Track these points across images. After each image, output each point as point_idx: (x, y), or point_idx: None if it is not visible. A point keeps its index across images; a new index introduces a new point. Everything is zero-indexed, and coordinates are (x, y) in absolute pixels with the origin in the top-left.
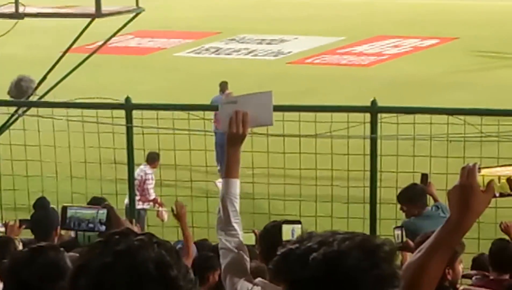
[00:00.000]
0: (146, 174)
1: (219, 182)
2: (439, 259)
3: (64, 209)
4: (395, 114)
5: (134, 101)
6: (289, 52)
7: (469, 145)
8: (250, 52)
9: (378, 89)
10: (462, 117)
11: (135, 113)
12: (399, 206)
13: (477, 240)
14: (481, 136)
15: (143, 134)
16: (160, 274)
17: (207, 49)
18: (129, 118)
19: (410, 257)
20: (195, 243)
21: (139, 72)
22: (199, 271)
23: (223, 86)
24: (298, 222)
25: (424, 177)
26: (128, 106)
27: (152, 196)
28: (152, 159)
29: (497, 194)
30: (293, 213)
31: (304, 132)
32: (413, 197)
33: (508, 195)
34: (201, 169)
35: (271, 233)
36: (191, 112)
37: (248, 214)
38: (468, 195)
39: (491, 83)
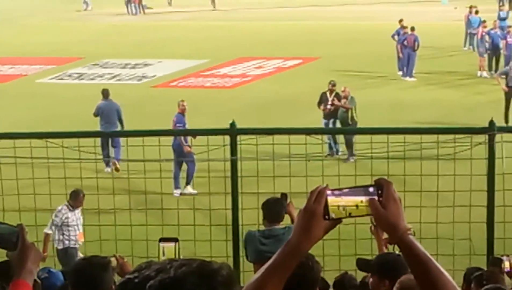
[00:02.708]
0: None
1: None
2: (276, 281)
3: None
4: (254, 136)
5: None
6: (153, 76)
7: (327, 164)
8: (114, 77)
9: (242, 111)
10: (319, 136)
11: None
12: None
13: (338, 257)
14: (339, 155)
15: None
16: None
17: (70, 75)
18: None
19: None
20: None
21: (1, 100)
22: None
23: (106, 92)
24: (175, 239)
25: (283, 196)
26: None
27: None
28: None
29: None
30: (152, 237)
31: (165, 156)
32: (265, 205)
33: (352, 217)
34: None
35: None
36: (48, 139)
37: None
38: (310, 220)
39: None
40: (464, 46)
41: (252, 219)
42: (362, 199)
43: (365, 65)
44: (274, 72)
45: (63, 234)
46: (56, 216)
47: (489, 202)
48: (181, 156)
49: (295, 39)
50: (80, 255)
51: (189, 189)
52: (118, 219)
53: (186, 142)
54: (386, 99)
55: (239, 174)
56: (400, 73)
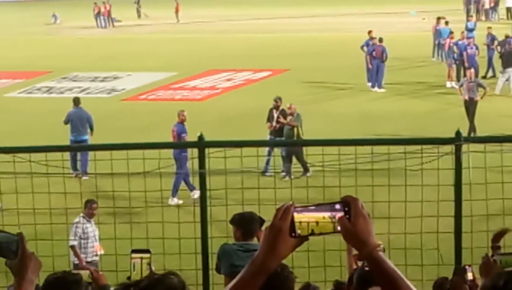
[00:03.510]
0: None
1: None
2: None
3: None
4: (222, 149)
5: None
6: (123, 89)
7: (295, 174)
8: (83, 90)
9: (212, 123)
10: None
11: None
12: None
13: (307, 269)
14: (308, 165)
15: None
16: None
17: (38, 89)
18: None
19: None
20: None
21: None
22: None
23: (77, 100)
24: (147, 251)
25: (260, 221)
26: None
27: None
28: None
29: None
30: (121, 251)
31: (133, 170)
32: (241, 221)
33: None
34: None
35: None
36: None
37: None
38: (276, 237)
39: (322, 113)
40: (433, 57)
41: (221, 231)
42: (324, 215)
43: (334, 77)
44: (243, 84)
45: (80, 247)
46: (76, 227)
47: (456, 212)
48: (183, 164)
49: (263, 52)
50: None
51: (175, 200)
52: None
53: (186, 151)
54: (355, 110)
55: (207, 187)
56: (369, 84)
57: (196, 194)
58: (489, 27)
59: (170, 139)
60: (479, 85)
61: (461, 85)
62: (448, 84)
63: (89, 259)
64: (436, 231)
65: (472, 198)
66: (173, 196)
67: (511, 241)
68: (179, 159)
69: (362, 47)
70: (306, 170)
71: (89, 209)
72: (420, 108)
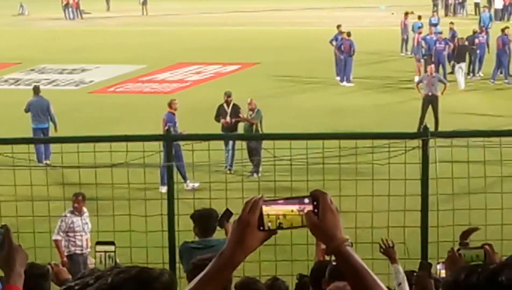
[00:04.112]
0: None
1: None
2: None
3: None
4: (190, 142)
5: None
6: (91, 81)
7: (266, 169)
8: (51, 82)
9: (180, 116)
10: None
11: None
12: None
13: (274, 262)
14: (274, 160)
15: None
16: None
17: (6, 80)
18: None
19: None
20: None
21: None
22: None
23: (36, 89)
24: (112, 243)
25: (228, 213)
26: None
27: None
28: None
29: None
30: None
31: (101, 162)
32: (200, 218)
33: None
34: None
35: None
36: None
37: None
38: (244, 231)
39: (291, 107)
40: (402, 52)
41: (188, 225)
42: (292, 208)
43: (303, 71)
44: (213, 77)
45: (68, 240)
46: (61, 221)
47: (423, 207)
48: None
49: (233, 45)
50: (92, 260)
51: (190, 184)
52: (53, 226)
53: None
54: (323, 104)
55: (175, 180)
56: (338, 78)
57: (189, 185)
58: (451, 23)
59: (139, 131)
60: (440, 80)
61: (420, 81)
62: (417, 79)
63: (78, 252)
64: (403, 225)
65: (438, 192)
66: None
67: (477, 237)
68: (177, 150)
69: (331, 41)
70: (256, 171)
71: (74, 202)
72: (388, 102)
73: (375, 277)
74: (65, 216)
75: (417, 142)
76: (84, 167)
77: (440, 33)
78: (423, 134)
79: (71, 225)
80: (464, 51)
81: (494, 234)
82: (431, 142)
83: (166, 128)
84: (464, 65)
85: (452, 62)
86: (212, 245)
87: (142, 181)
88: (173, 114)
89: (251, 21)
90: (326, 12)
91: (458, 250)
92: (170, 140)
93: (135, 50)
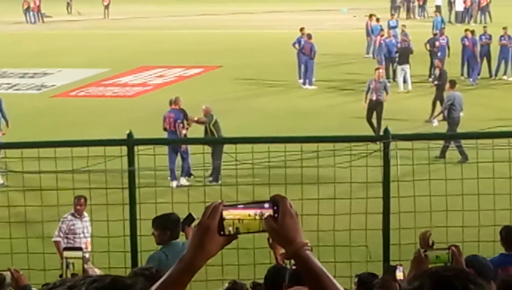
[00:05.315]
0: None
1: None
2: None
3: None
4: (151, 146)
5: None
6: (53, 86)
7: (226, 173)
8: (12, 87)
9: (142, 120)
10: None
11: None
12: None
13: (237, 267)
14: (236, 164)
15: None
16: None
17: None
18: None
19: None
20: None
21: None
22: None
23: None
24: (79, 249)
25: (190, 217)
26: None
27: None
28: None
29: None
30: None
31: (61, 168)
32: (164, 224)
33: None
34: None
35: None
36: None
37: None
38: (204, 236)
39: (253, 110)
40: (366, 54)
41: (150, 230)
42: (251, 213)
43: (266, 73)
44: (175, 80)
45: (67, 243)
46: (62, 223)
47: (384, 209)
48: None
49: (195, 48)
50: (90, 265)
51: (184, 181)
52: (13, 232)
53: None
54: (286, 107)
55: (136, 185)
56: (301, 81)
57: (175, 183)
58: (403, 25)
59: (100, 136)
60: (384, 88)
61: (368, 87)
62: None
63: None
64: (364, 228)
65: (400, 195)
66: (181, 176)
67: (439, 238)
68: (183, 153)
69: (294, 44)
70: (216, 179)
71: (75, 205)
72: (350, 105)
73: (334, 281)
74: (66, 218)
75: (379, 145)
76: (44, 172)
77: (406, 35)
78: (384, 137)
79: (72, 227)
80: (406, 53)
81: (456, 236)
82: (392, 144)
83: (179, 122)
84: (407, 67)
85: (395, 64)
86: (177, 250)
87: (104, 186)
88: (180, 110)
89: (214, 24)
90: (289, 15)
91: (425, 251)
92: (131, 144)
93: (98, 53)
